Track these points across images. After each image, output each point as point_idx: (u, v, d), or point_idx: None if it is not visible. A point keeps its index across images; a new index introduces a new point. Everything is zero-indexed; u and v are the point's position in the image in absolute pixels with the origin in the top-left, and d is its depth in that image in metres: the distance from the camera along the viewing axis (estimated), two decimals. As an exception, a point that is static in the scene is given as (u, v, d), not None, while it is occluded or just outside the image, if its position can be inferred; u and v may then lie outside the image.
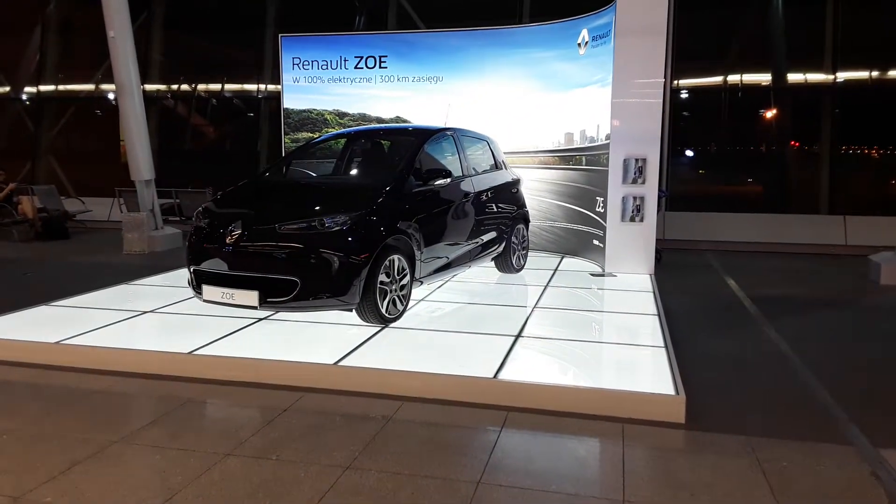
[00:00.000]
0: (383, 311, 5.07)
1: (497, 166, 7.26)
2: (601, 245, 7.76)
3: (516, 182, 7.56)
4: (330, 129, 9.15)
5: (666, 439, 3.53)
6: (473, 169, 6.66)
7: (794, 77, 11.82)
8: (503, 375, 4.11)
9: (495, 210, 6.82)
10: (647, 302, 6.19)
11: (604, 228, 7.67)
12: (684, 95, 12.19)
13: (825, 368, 4.69)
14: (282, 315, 5.41)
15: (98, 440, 3.45)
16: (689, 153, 12.55)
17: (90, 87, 15.21)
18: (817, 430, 3.67)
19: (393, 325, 5.20)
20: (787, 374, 4.63)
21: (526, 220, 7.66)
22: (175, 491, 2.94)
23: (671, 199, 10.98)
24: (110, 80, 10.68)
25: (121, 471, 3.14)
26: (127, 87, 9.80)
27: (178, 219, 11.39)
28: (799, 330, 5.75)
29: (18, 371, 4.53)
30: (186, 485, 3.00)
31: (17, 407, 3.94)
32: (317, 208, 5.03)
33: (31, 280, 7.91)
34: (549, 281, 7.11)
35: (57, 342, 4.74)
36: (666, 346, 4.70)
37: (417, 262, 5.47)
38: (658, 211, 7.74)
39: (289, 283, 4.74)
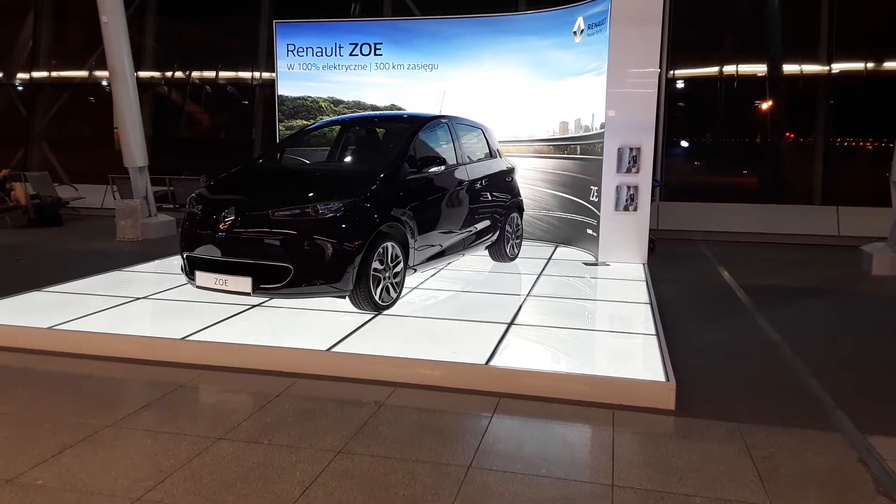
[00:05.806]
0: (377, 298, 5.08)
1: (492, 155, 7.25)
2: (595, 234, 7.77)
3: (511, 171, 7.56)
4: (324, 117, 9.11)
5: (656, 425, 3.56)
6: (468, 157, 6.65)
7: (789, 68, 11.80)
8: (495, 362, 4.12)
9: (489, 198, 6.82)
10: (639, 291, 6.22)
11: (597, 218, 7.68)
12: (680, 85, 12.17)
13: (815, 356, 4.72)
14: (275, 301, 5.42)
15: (90, 424, 3.45)
16: (683, 143, 12.54)
17: (83, 73, 15.10)
18: (806, 416, 3.70)
19: (386, 312, 5.21)
20: (777, 362, 4.66)
21: (520, 209, 7.67)
22: (167, 474, 2.96)
23: (665, 188, 11.00)
24: (104, 66, 10.57)
25: (112, 454, 3.15)
26: (120, 74, 9.75)
27: (171, 206, 11.37)
28: (790, 319, 5.78)
29: (11, 356, 4.53)
30: (178, 468, 3.01)
31: (10, 391, 3.94)
32: (310, 195, 5.02)
33: (24, 266, 7.88)
34: (543, 270, 7.13)
35: (50, 328, 4.74)
36: (657, 335, 4.72)
37: (411, 250, 5.47)
38: (652, 201, 7.76)
39: (282, 270, 4.74)
